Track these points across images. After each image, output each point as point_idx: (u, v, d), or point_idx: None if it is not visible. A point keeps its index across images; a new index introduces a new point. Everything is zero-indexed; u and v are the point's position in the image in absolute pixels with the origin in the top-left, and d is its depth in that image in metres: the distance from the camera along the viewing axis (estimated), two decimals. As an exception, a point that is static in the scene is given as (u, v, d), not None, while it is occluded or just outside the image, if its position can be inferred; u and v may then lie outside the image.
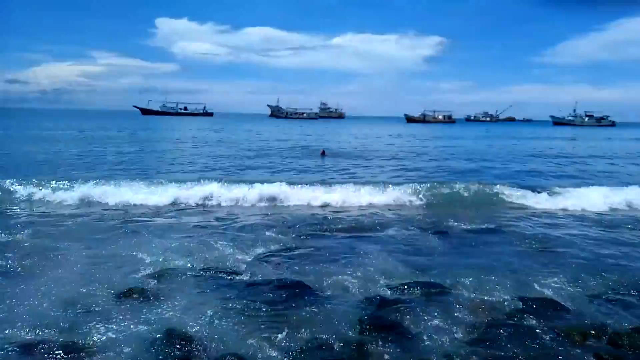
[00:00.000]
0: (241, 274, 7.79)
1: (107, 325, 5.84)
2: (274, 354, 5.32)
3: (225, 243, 9.52)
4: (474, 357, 5.27)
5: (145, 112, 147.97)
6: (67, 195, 13.72)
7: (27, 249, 8.68)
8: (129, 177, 16.05)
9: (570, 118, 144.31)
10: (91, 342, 5.43)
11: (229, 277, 7.62)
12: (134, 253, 8.62)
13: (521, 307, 6.66)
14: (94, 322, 5.92)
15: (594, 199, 14.31)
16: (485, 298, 6.94)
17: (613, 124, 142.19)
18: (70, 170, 19.86)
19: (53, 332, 5.65)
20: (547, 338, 5.75)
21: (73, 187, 14.18)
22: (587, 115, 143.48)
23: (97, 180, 14.97)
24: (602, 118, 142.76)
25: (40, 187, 14.03)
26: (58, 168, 20.30)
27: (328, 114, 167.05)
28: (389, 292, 7.13)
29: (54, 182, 14.54)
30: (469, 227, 11.30)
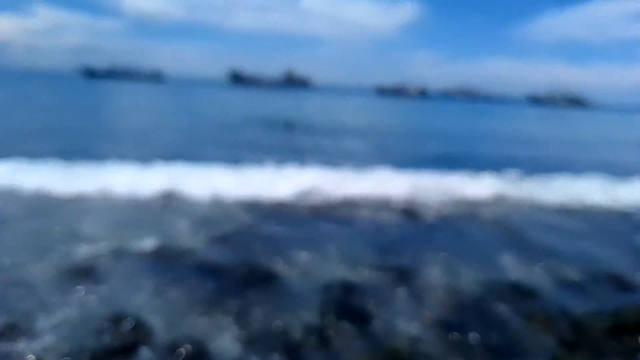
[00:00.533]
0: (195, 255, 7.76)
1: (48, 308, 5.75)
2: (228, 339, 5.38)
3: (178, 222, 9.45)
4: (439, 342, 5.51)
5: (91, 74, 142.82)
6: None
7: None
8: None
9: (546, 97, 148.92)
10: (31, 326, 5.33)
11: (182, 259, 7.58)
12: (80, 229, 8.43)
13: (488, 291, 6.99)
14: (34, 304, 5.81)
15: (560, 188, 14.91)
16: (453, 282, 7.22)
17: (588, 106, 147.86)
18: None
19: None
20: (513, 323, 6.07)
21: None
22: (562, 96, 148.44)
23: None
24: (576, 99, 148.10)
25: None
26: None
27: (293, 82, 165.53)
28: (353, 276, 7.29)
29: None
30: (440, 212, 11.60)
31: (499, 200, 13.14)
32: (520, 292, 6.95)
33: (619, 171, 17.10)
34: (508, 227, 10.36)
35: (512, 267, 7.92)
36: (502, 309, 6.39)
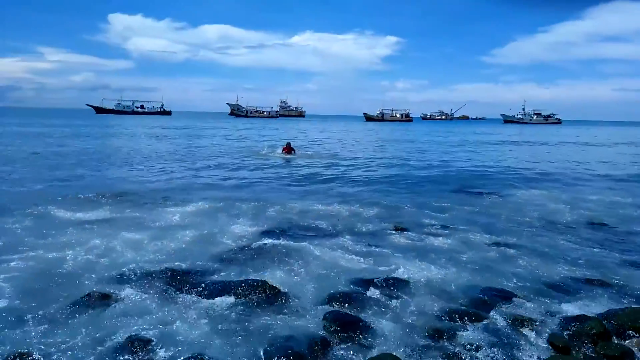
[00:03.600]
0: (203, 274, 7.65)
1: (63, 333, 5.60)
2: (237, 355, 5.26)
3: (186, 240, 9.35)
4: (435, 350, 5.41)
5: (100, 110, 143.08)
6: None
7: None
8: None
9: (519, 116, 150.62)
10: (47, 351, 5.18)
11: (190, 279, 7.46)
12: (90, 255, 8.30)
13: (479, 296, 6.91)
14: (50, 329, 5.66)
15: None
16: (445, 290, 7.14)
17: (559, 122, 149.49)
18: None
19: (2, 340, 5.36)
20: (504, 326, 5.98)
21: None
22: (535, 114, 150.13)
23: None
24: (549, 116, 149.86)
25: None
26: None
27: (288, 113, 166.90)
28: (351, 287, 7.20)
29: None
30: (429, 222, 11.56)
31: (487, 208, 13.11)
32: (509, 295, 6.86)
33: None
34: (496, 232, 10.32)
35: (502, 271, 7.86)
36: (492, 312, 6.32)
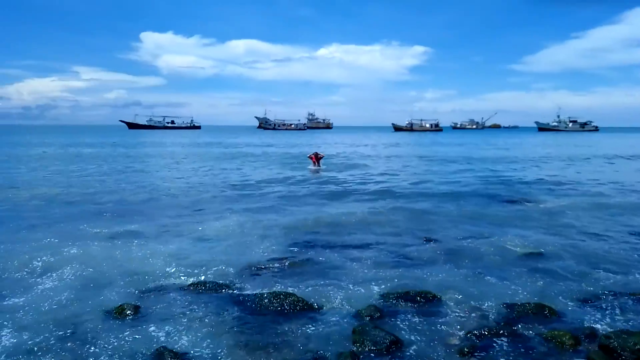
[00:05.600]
0: (232, 288, 7.73)
1: (97, 344, 5.76)
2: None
3: (215, 254, 9.48)
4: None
5: (132, 126, 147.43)
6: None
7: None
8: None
9: (554, 124, 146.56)
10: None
11: (220, 291, 7.56)
12: (121, 275, 8.50)
13: (513, 310, 6.72)
14: (84, 342, 5.83)
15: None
16: (476, 305, 6.97)
17: (596, 129, 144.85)
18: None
19: (41, 353, 5.54)
20: (539, 344, 5.79)
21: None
22: (570, 121, 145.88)
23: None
24: (585, 123, 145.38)
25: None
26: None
27: (316, 125, 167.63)
28: (382, 302, 7.12)
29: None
30: (456, 236, 11.34)
31: (515, 222, 12.76)
32: (542, 312, 6.64)
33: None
34: (525, 246, 10.02)
35: (532, 286, 7.61)
36: (525, 329, 6.13)
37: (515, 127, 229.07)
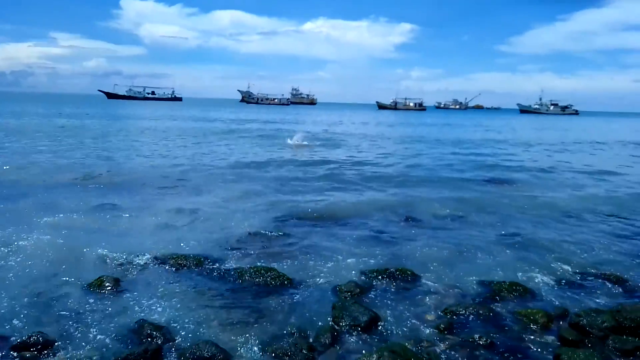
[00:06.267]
0: (213, 262, 7.74)
1: (76, 316, 5.74)
2: (248, 341, 5.33)
3: (196, 229, 9.45)
4: (444, 343, 5.43)
5: (111, 96, 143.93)
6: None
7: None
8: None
9: (536, 106, 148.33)
10: (59, 336, 5.30)
11: (201, 265, 7.57)
12: (102, 245, 8.42)
13: (489, 289, 6.90)
14: (62, 315, 5.80)
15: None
16: (454, 283, 7.14)
17: (577, 113, 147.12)
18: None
19: (20, 324, 5.50)
20: (513, 322, 5.98)
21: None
22: (552, 104, 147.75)
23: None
24: (566, 107, 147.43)
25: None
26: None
27: (300, 100, 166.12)
28: (362, 278, 7.23)
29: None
30: (438, 215, 11.50)
31: (496, 201, 13.02)
32: (519, 291, 6.84)
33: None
34: (506, 226, 10.26)
35: (512, 265, 7.83)
36: (502, 308, 6.32)
37: (497, 109, 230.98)
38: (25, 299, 6.13)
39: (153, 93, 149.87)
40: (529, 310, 6.16)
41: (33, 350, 4.96)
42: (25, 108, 69.44)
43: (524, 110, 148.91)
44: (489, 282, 7.20)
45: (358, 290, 6.72)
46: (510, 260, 8.25)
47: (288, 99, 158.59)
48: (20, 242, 8.21)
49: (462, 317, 6.05)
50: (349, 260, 7.97)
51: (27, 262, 7.37)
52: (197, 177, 15.96)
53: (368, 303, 6.35)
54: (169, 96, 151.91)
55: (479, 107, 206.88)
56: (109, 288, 6.53)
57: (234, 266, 7.55)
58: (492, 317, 6.09)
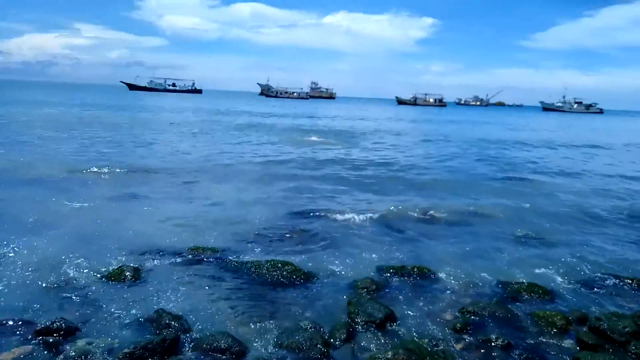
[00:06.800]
0: (231, 254, 7.81)
1: (97, 304, 5.86)
2: (263, 334, 5.38)
3: (214, 222, 9.55)
4: (459, 343, 5.39)
5: (133, 87, 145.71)
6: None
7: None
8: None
9: (559, 104, 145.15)
10: (81, 323, 5.43)
11: (218, 257, 7.65)
12: (122, 234, 8.57)
13: (508, 290, 6.82)
14: (83, 302, 5.93)
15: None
16: (472, 282, 7.07)
17: (601, 111, 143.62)
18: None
19: (42, 311, 5.64)
20: (531, 323, 5.90)
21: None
22: (576, 102, 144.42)
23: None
24: (590, 105, 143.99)
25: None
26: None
27: (319, 94, 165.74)
28: (378, 275, 7.22)
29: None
30: (457, 211, 11.39)
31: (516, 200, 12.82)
32: (538, 292, 6.74)
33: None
34: (526, 226, 10.10)
35: (530, 266, 7.72)
36: (519, 309, 6.23)
37: (519, 106, 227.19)
38: (48, 286, 6.28)
39: (174, 85, 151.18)
40: (548, 312, 6.06)
41: (56, 336, 5.08)
42: (51, 97, 70.87)
43: (547, 108, 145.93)
44: (507, 282, 7.11)
45: (374, 286, 6.71)
46: (530, 261, 8.13)
47: (307, 92, 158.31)
48: (42, 230, 8.42)
49: (479, 317, 5.99)
50: (365, 257, 7.97)
51: (49, 249, 7.54)
52: (218, 171, 16.10)
53: (384, 300, 6.33)
54: (189, 88, 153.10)
55: (500, 104, 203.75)
56: (129, 277, 6.64)
57: (251, 259, 7.60)
58: (510, 318, 6.01)
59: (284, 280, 6.87)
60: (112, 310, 5.76)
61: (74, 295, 6.09)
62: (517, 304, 6.45)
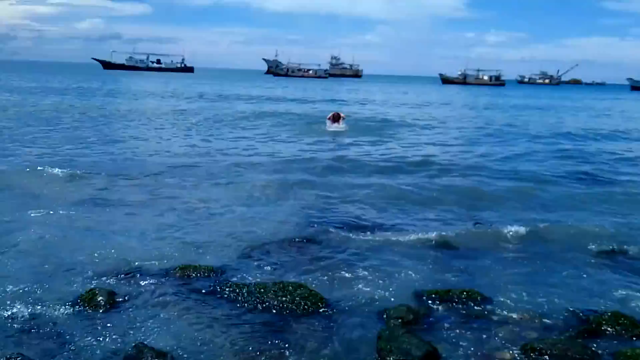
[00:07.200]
0: (229, 274, 7.90)
1: (62, 338, 5.97)
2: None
3: (209, 234, 9.65)
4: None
5: (108, 66, 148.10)
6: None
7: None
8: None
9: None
10: (43, 359, 5.53)
11: (214, 277, 7.75)
12: (95, 250, 8.71)
13: (579, 324, 6.73)
14: (46, 334, 6.04)
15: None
16: (536, 312, 6.98)
17: None
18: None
19: (-4, 345, 5.77)
20: (614, 364, 5.81)
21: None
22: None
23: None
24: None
25: None
26: None
27: (341, 72, 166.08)
28: (417, 303, 7.19)
29: None
30: (515, 221, 11.22)
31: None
32: (623, 324, 6.63)
33: None
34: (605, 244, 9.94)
35: (610, 292, 7.60)
36: (598, 346, 6.14)
37: (601, 84, 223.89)
38: (2, 314, 6.40)
39: (159, 62, 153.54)
40: (637, 351, 5.96)
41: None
42: (6, 80, 72.58)
43: (636, 87, 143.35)
44: (583, 310, 7.01)
45: (411, 316, 6.69)
46: (612, 285, 8.01)
47: (326, 70, 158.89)
48: (14, 234, 8.69)
49: (546, 356, 5.92)
50: (400, 278, 7.96)
51: (4, 267, 7.72)
52: (214, 170, 16.27)
53: (424, 334, 6.29)
54: (178, 66, 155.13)
55: (575, 82, 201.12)
56: (102, 303, 6.73)
57: (255, 280, 7.66)
58: (588, 358, 5.92)
59: (296, 308, 6.89)
60: (81, 344, 5.84)
61: (35, 326, 6.20)
62: (598, 339, 6.34)
